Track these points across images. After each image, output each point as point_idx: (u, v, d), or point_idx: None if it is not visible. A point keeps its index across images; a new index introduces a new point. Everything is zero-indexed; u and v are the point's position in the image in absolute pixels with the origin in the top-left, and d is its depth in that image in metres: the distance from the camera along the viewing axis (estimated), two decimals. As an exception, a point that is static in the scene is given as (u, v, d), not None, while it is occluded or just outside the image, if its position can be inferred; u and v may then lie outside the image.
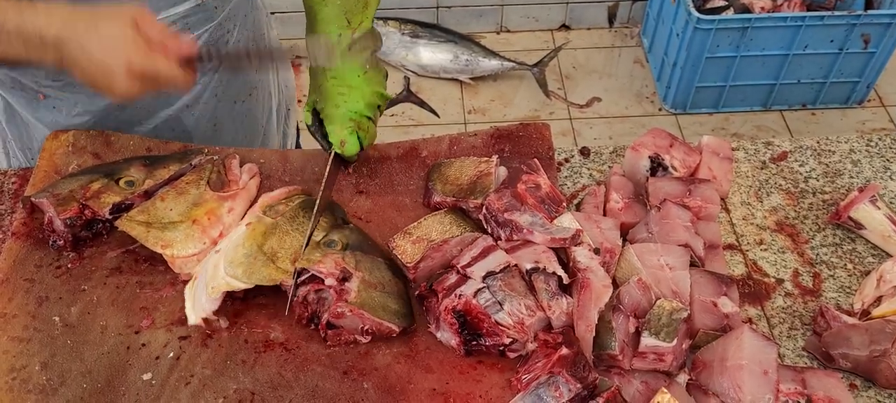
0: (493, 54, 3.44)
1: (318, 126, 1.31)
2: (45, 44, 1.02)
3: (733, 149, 1.51)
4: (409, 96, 3.01)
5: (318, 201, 1.26)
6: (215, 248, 1.23)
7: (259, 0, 1.53)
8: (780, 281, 1.33)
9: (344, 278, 1.17)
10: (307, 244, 1.20)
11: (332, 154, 1.31)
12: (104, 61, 1.01)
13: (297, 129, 1.84)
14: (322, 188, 1.29)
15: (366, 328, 1.16)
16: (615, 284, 1.22)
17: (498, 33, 3.74)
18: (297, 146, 1.83)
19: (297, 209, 1.27)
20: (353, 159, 1.35)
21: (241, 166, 1.38)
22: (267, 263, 1.19)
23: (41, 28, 1.01)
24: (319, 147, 1.38)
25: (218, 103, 1.47)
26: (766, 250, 1.38)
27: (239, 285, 1.16)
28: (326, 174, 1.30)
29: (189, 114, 1.46)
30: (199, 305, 1.16)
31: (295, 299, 1.18)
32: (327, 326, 1.16)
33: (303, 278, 1.18)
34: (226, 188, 1.33)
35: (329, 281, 1.16)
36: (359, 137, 1.31)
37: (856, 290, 1.31)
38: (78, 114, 1.39)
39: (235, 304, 1.21)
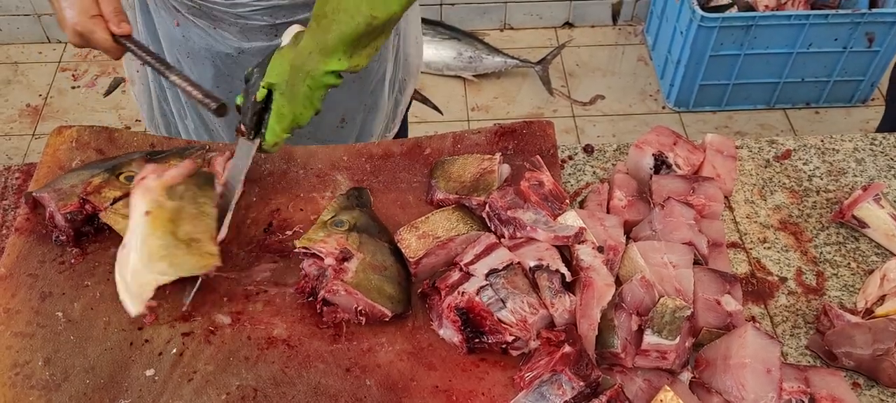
0: (497, 51, 3.44)
1: (261, 106, 1.26)
2: None
3: (737, 148, 1.51)
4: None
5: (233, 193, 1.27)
6: (123, 244, 1.16)
7: None
8: (783, 280, 1.33)
9: (344, 258, 1.19)
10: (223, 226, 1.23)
11: (259, 144, 1.28)
12: (60, 11, 1.24)
13: (410, 101, 1.84)
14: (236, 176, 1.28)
15: (360, 309, 1.17)
16: (618, 282, 1.22)
17: (501, 30, 3.74)
18: (405, 119, 1.85)
19: (195, 189, 1.23)
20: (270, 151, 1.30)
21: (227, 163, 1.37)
22: (189, 251, 1.16)
23: None
24: (325, 142, 1.38)
25: None
26: (769, 248, 1.37)
27: (169, 278, 1.13)
28: (246, 163, 1.29)
29: None
30: (134, 301, 1.12)
31: (300, 271, 1.22)
32: (323, 303, 1.18)
33: (306, 253, 1.20)
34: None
35: (328, 260, 1.18)
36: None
37: (859, 289, 1.31)
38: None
39: (238, 302, 1.21)
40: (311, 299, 1.21)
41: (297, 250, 1.21)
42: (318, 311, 1.19)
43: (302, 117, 1.25)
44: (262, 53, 1.42)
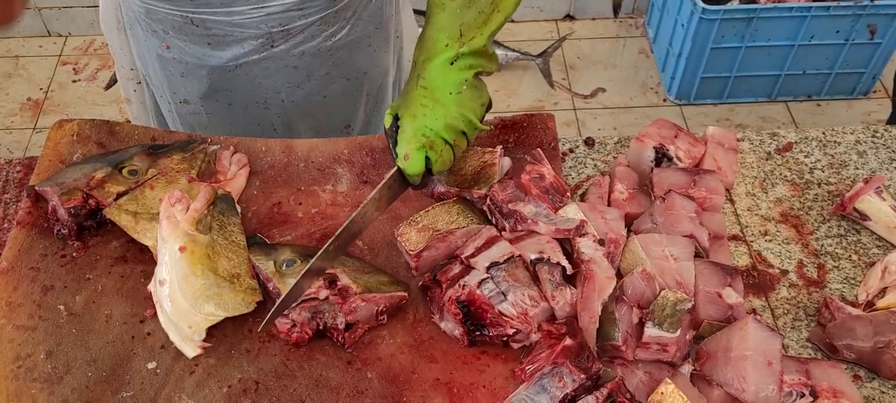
0: (498, 44, 3.43)
1: (394, 133, 1.20)
2: None
3: (738, 140, 1.51)
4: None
5: (359, 210, 1.19)
6: (157, 279, 1.16)
7: None
8: (784, 272, 1.33)
9: (332, 281, 1.16)
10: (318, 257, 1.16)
11: (395, 168, 1.20)
12: None
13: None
14: (367, 200, 1.19)
15: (381, 309, 1.16)
16: (619, 274, 1.22)
17: (502, 23, 3.73)
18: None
19: (220, 217, 1.24)
20: (416, 181, 1.22)
21: (232, 157, 1.38)
22: (232, 288, 1.16)
23: None
24: (321, 135, 1.37)
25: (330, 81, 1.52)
26: (770, 241, 1.37)
27: (218, 317, 1.14)
28: (380, 185, 1.20)
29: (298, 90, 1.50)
30: (188, 342, 1.13)
31: (292, 328, 1.16)
32: (345, 329, 1.15)
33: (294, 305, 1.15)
34: (214, 179, 1.32)
35: (322, 294, 1.14)
36: (428, 158, 1.19)
37: (860, 281, 1.31)
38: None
39: (240, 294, 1.21)
40: (323, 337, 1.17)
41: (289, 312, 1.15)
42: (341, 341, 1.16)
43: (432, 121, 1.17)
44: (257, 63, 1.42)
